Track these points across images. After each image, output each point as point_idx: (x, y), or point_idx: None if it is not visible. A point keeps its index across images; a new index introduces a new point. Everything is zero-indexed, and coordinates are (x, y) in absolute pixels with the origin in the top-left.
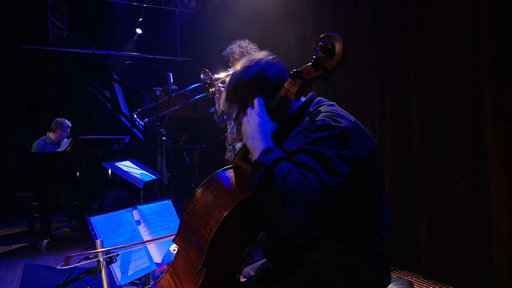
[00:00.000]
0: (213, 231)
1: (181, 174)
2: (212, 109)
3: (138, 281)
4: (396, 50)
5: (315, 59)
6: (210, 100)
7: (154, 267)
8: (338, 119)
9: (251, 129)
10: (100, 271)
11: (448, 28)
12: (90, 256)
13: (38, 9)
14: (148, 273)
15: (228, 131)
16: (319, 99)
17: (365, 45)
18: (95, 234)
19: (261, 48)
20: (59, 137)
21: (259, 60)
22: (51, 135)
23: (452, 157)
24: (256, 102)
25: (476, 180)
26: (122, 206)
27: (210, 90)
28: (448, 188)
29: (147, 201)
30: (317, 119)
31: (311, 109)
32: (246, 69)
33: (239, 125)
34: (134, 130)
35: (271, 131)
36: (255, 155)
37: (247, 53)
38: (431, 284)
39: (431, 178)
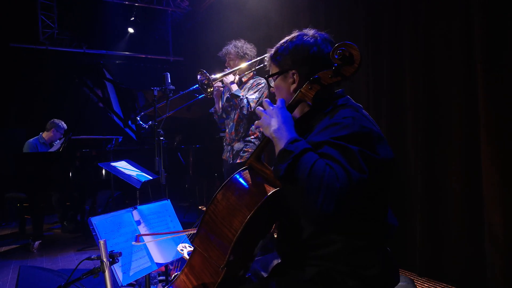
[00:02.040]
0: (238, 232)
1: (175, 174)
2: (212, 110)
3: (134, 282)
4: (390, 53)
5: (336, 66)
6: (205, 100)
7: (155, 267)
8: (368, 120)
9: (276, 121)
10: (104, 271)
11: (441, 28)
12: (92, 257)
13: (28, 7)
14: (149, 274)
15: (227, 131)
16: (348, 97)
17: (360, 46)
18: (96, 234)
19: (256, 47)
20: (52, 138)
21: (325, 41)
22: (44, 134)
23: (446, 157)
24: (279, 101)
25: (470, 179)
26: (115, 207)
27: (208, 90)
28: (442, 188)
29: (139, 202)
30: (348, 115)
31: (340, 103)
32: (311, 42)
33: (271, 87)
34: (127, 130)
35: (293, 125)
36: (280, 144)
37: (242, 53)
38: (425, 281)
39: (425, 178)
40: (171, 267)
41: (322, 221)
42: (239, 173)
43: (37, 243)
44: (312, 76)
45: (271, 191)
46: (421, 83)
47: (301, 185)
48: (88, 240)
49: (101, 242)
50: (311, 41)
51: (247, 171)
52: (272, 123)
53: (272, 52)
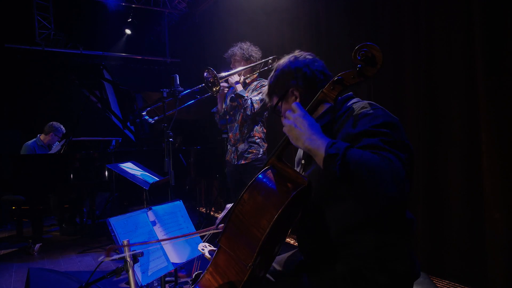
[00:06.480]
0: (266, 231)
1: (177, 175)
2: (214, 109)
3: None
4: (392, 55)
5: (360, 67)
6: (206, 102)
7: (171, 267)
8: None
9: (304, 131)
10: (128, 271)
11: (442, 27)
12: (114, 257)
13: (24, 8)
14: (164, 276)
15: (231, 132)
16: (357, 98)
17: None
18: (115, 235)
19: None
20: (50, 141)
21: (302, 55)
22: (42, 137)
23: (447, 155)
24: (295, 106)
25: (470, 177)
26: (114, 209)
27: (214, 89)
28: (443, 186)
29: (146, 203)
30: (377, 107)
31: (351, 102)
32: (290, 61)
33: (278, 116)
34: (126, 131)
35: (321, 128)
36: (320, 151)
37: (248, 55)
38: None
39: (426, 176)
40: (178, 269)
41: (386, 205)
42: (263, 173)
43: (37, 246)
44: (336, 79)
45: (295, 190)
46: (422, 84)
47: (360, 178)
48: (88, 242)
49: (125, 242)
50: (291, 59)
51: (269, 171)
52: (299, 134)
53: (267, 87)
